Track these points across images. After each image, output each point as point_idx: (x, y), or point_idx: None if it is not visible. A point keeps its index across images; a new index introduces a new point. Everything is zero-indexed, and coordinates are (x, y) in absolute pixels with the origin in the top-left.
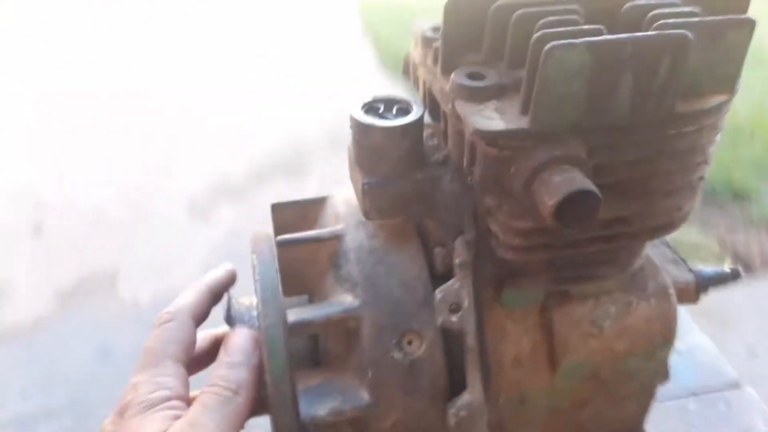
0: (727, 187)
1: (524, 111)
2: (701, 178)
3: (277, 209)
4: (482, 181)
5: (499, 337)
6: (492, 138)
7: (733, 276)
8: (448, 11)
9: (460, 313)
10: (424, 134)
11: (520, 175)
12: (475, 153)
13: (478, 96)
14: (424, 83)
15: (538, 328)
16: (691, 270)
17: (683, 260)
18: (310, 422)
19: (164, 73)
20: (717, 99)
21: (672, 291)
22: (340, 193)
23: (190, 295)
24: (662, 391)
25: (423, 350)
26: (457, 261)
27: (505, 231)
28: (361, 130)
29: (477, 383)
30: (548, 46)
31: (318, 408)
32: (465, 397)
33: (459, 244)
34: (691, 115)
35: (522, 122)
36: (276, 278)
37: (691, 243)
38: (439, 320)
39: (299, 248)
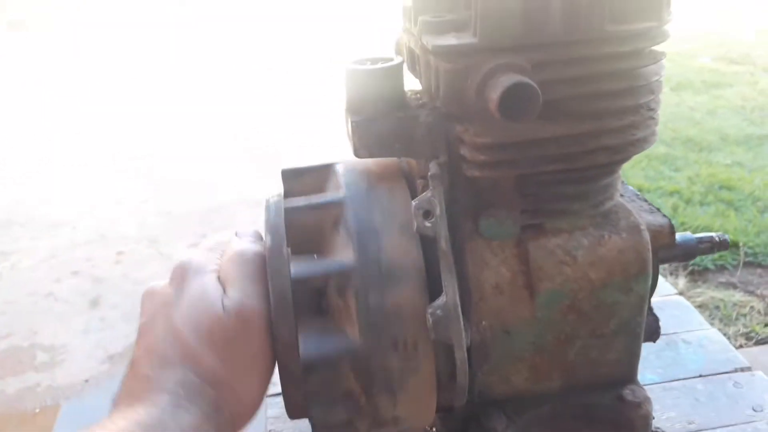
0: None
1: (474, 34)
2: (650, 107)
3: (287, 175)
4: (446, 102)
5: (479, 267)
6: (448, 53)
7: (720, 244)
8: None
9: (432, 220)
10: (408, 94)
11: (473, 84)
12: (438, 75)
13: (439, 29)
14: (409, 48)
15: (516, 258)
16: (665, 216)
17: (658, 209)
18: (309, 362)
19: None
20: (646, 24)
21: (644, 228)
22: (343, 161)
23: None
24: (669, 373)
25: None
26: (429, 174)
27: (471, 150)
28: (350, 76)
29: (451, 286)
30: None
31: (316, 350)
32: (441, 299)
33: (432, 164)
34: (622, 35)
35: (472, 39)
36: (282, 239)
37: (735, 302)
38: (414, 226)
39: (306, 213)
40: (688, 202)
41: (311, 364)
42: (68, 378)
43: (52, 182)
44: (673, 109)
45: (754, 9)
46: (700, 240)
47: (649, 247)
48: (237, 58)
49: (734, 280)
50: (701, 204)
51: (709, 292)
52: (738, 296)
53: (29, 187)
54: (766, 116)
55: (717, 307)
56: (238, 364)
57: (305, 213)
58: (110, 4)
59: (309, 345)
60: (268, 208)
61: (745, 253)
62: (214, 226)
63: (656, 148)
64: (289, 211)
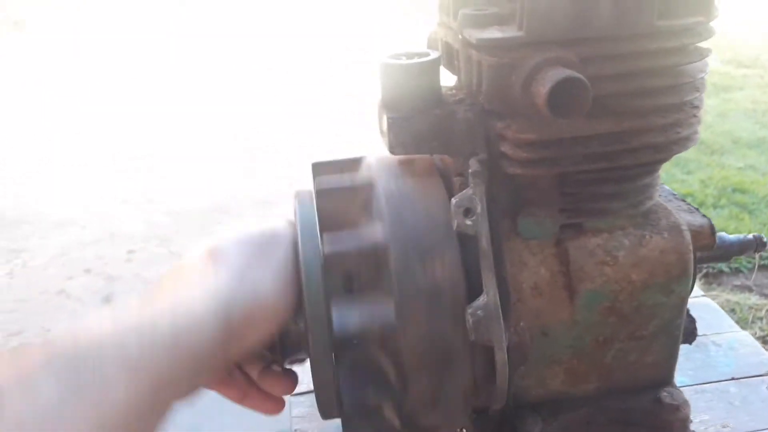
0: None
1: (520, 27)
2: (694, 105)
3: (318, 168)
4: (489, 97)
5: (518, 267)
6: (492, 46)
7: (757, 244)
8: None
9: (473, 218)
10: (445, 90)
11: (519, 79)
12: (481, 70)
13: (481, 22)
14: (445, 43)
15: (555, 258)
16: (705, 216)
17: (697, 209)
18: (342, 337)
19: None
20: (694, 19)
21: (685, 228)
22: (374, 154)
23: None
24: (702, 377)
25: (444, 271)
26: (470, 171)
27: (513, 147)
28: (385, 71)
29: (492, 286)
30: None
31: (349, 325)
32: (481, 299)
33: (473, 161)
34: (671, 30)
35: (518, 33)
36: (313, 216)
37: (750, 305)
38: (455, 224)
39: (336, 194)
40: (701, 205)
41: (344, 338)
42: None
43: (52, 182)
44: None
45: (763, 12)
46: (739, 241)
47: (691, 248)
48: (237, 58)
49: (749, 283)
50: (714, 207)
51: (724, 295)
52: (754, 299)
53: (29, 187)
54: None
55: (732, 311)
56: (258, 261)
57: (337, 195)
58: (110, 4)
59: (342, 320)
60: (299, 197)
61: (760, 256)
62: (223, 224)
63: None
64: (320, 194)
